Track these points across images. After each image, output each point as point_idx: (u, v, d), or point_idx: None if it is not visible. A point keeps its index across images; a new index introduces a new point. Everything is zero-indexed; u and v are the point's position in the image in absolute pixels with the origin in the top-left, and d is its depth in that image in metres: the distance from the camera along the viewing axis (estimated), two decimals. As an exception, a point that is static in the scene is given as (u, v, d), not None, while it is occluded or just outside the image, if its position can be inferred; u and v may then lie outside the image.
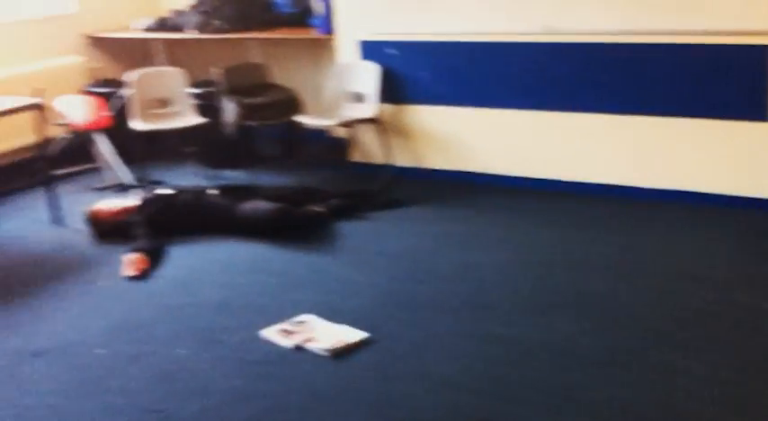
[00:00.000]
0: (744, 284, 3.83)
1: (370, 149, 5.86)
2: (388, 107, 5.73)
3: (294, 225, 4.69)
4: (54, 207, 5.12)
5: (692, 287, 3.83)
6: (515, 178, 5.44)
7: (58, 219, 5.10)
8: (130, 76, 5.84)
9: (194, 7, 6.63)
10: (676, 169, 5.01)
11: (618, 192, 5.14)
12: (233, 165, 5.91)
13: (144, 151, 5.74)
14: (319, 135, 6.14)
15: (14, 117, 5.82)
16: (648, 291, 3.83)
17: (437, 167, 5.69)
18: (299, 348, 3.38)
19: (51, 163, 5.41)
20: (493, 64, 5.41)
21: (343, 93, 5.80)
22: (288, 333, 3.49)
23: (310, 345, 3.38)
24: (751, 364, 3.16)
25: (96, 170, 5.98)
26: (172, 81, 6.00)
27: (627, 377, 3.09)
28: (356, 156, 5.89)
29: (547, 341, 3.40)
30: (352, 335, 3.45)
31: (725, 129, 4.83)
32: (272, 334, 3.50)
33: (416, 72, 5.62)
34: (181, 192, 4.97)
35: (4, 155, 6.00)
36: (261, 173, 5.84)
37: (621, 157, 5.15)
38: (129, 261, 4.28)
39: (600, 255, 4.28)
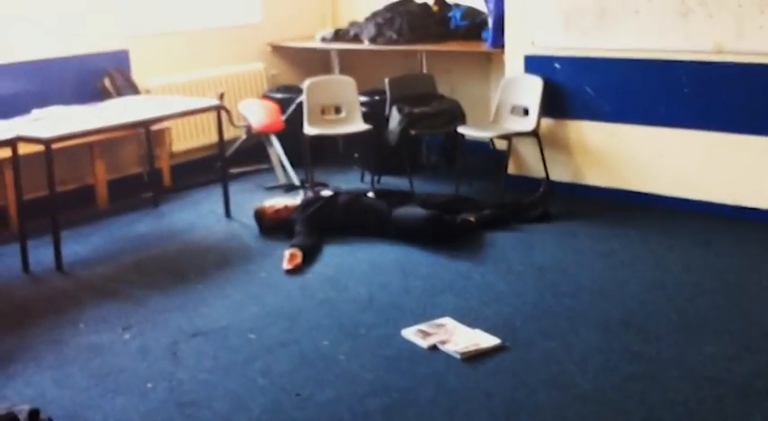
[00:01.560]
0: None
1: (529, 163, 5.88)
2: (550, 121, 5.74)
3: (445, 232, 4.80)
4: (227, 202, 5.50)
5: None
6: (674, 199, 5.30)
7: (229, 214, 5.48)
8: (306, 83, 6.17)
9: (370, 19, 6.92)
10: None
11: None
12: (395, 171, 6.10)
13: (313, 154, 6.04)
14: (480, 146, 6.23)
15: (199, 117, 6.37)
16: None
17: (594, 184, 5.64)
18: (433, 348, 3.49)
19: (229, 161, 5.82)
20: (659, 82, 5.30)
21: (506, 105, 5.87)
22: (425, 333, 3.61)
23: (445, 347, 3.48)
24: None
25: (268, 170, 6.37)
26: (343, 89, 6.27)
27: (769, 407, 2.99)
28: (514, 169, 5.93)
29: (691, 364, 3.33)
30: (485, 340, 3.52)
31: None
32: (410, 333, 3.63)
33: (580, 87, 5.60)
34: (340, 193, 5.21)
35: (189, 152, 6.51)
36: (421, 180, 6.00)
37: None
38: (288, 256, 4.55)
39: (758, 282, 4.11)
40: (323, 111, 6.25)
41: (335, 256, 4.67)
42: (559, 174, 5.74)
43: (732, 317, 3.73)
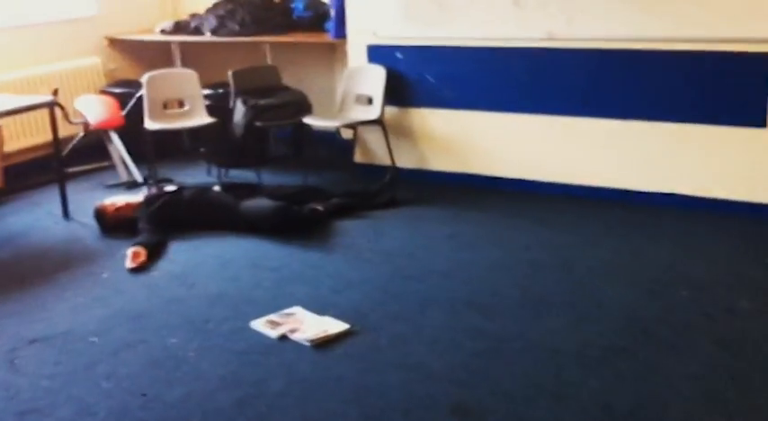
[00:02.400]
0: (743, 290, 3.86)
1: (375, 151, 5.95)
2: (394, 110, 5.83)
3: (293, 222, 4.79)
4: (65, 202, 5.27)
5: (687, 291, 3.87)
6: (516, 181, 5.51)
7: (68, 215, 5.25)
8: (145, 77, 5.99)
9: (211, 11, 6.79)
10: (678, 174, 5.04)
11: (620, 196, 5.19)
12: (242, 164, 6.03)
13: (157, 150, 5.88)
14: (326, 136, 6.26)
15: (32, 115, 6.05)
16: (643, 292, 3.88)
17: (439, 169, 5.78)
18: (283, 338, 3.49)
19: (66, 160, 5.58)
20: (498, 69, 5.48)
21: (350, 95, 5.91)
22: (275, 324, 3.59)
23: (294, 336, 3.48)
24: (737, 368, 3.20)
25: (109, 168, 6.15)
26: (185, 82, 6.13)
27: (609, 374, 3.15)
28: (361, 158, 6.00)
29: (533, 338, 3.47)
30: (334, 326, 3.54)
31: (727, 135, 4.86)
32: (259, 324, 3.60)
33: (422, 75, 5.71)
34: (184, 188, 5.10)
35: (23, 152, 6.19)
36: (269, 173, 5.97)
37: (624, 162, 5.20)
38: (132, 254, 4.41)
39: (596, 258, 4.33)
40: (165, 106, 6.09)
41: (182, 253, 4.57)
42: (405, 160, 5.85)
43: (569, 292, 3.92)
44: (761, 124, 4.74)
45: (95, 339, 3.58)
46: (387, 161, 5.82)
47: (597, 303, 3.78)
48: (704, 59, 4.83)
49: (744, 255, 4.28)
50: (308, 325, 3.57)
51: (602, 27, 5.06)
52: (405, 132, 5.86)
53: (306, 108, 6.01)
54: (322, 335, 3.46)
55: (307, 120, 5.83)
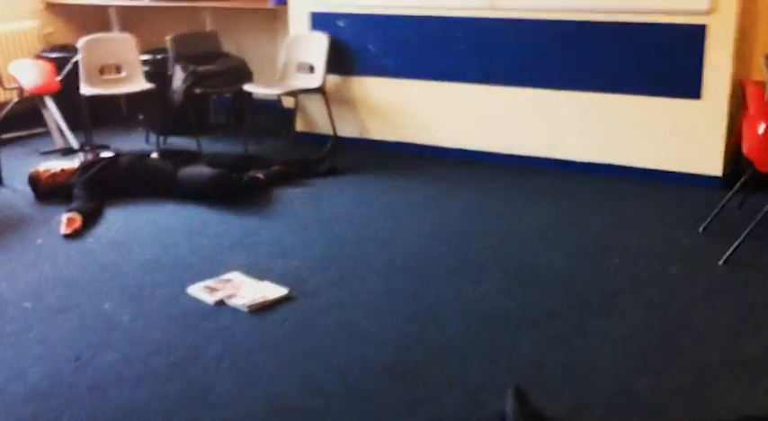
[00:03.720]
0: (672, 257, 3.95)
1: (317, 119, 5.93)
2: (336, 78, 5.80)
3: (233, 190, 4.76)
4: (-1, 169, 5.16)
5: (619, 257, 3.95)
6: (455, 150, 5.54)
7: (1, 181, 5.14)
8: (81, 41, 5.85)
9: (149, -25, 6.66)
10: (613, 144, 5.13)
11: (555, 165, 5.26)
12: (181, 132, 5.96)
13: (94, 117, 5.77)
14: (268, 104, 6.21)
15: (-37, 80, 5.89)
16: (576, 259, 3.95)
17: (380, 138, 5.78)
18: (220, 304, 3.47)
19: (0, 126, 5.45)
20: (439, 38, 5.48)
21: (292, 63, 5.87)
22: (212, 289, 3.58)
23: (231, 301, 3.47)
24: (665, 331, 3.29)
25: (44, 134, 6.02)
26: (123, 47, 6.02)
27: (542, 336, 3.21)
28: (302, 126, 5.97)
29: (469, 302, 3.51)
30: (272, 291, 3.54)
31: (662, 105, 4.95)
32: (196, 290, 3.58)
33: (364, 44, 5.69)
34: (121, 155, 5.03)
35: (-47, 117, 6.03)
36: (209, 140, 5.91)
37: (560, 132, 5.26)
38: (66, 220, 4.34)
39: (531, 225, 4.39)
40: (101, 71, 5.98)
41: (119, 219, 4.51)
42: (346, 129, 5.84)
43: (504, 258, 3.97)
44: (696, 95, 4.83)
45: (28, 304, 3.52)
46: (328, 130, 5.81)
47: (531, 269, 3.85)
48: (641, 31, 4.89)
49: (675, 223, 4.39)
50: (246, 290, 3.56)
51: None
52: (346, 101, 5.84)
53: (246, 75, 5.96)
54: (260, 300, 3.46)
55: (247, 87, 5.77)
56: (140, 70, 5.95)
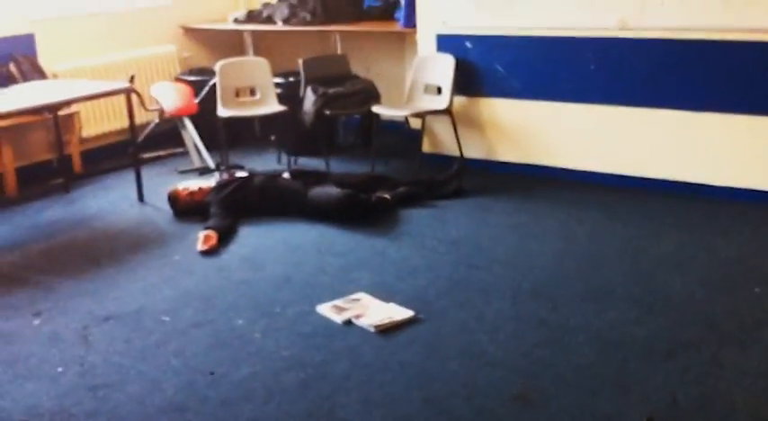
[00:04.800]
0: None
1: (443, 141, 5.96)
2: (462, 99, 5.82)
3: (360, 210, 4.83)
4: (140, 187, 5.42)
5: (757, 286, 3.78)
6: (583, 173, 5.45)
7: (143, 198, 5.41)
8: (218, 64, 6.10)
9: (283, 0, 6.87)
10: (749, 167, 4.93)
11: (688, 189, 5.09)
12: (311, 152, 6.11)
13: (229, 137, 5.99)
14: (395, 126, 6.29)
15: (110, 101, 6.24)
16: (707, 286, 3.81)
17: (506, 160, 5.75)
18: (348, 323, 3.53)
19: (141, 146, 5.74)
20: (566, 58, 5.42)
21: (419, 84, 5.93)
22: (340, 309, 3.64)
23: (359, 321, 3.52)
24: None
25: (182, 154, 6.30)
26: (257, 70, 6.23)
27: (675, 368, 3.11)
28: (429, 147, 6.01)
29: (597, 329, 3.44)
30: (399, 313, 3.58)
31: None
32: (325, 309, 3.66)
33: (491, 65, 5.69)
34: (255, 175, 5.20)
35: (100, 137, 6.39)
36: (337, 161, 6.03)
37: (693, 155, 5.10)
38: (203, 237, 4.52)
39: (663, 251, 4.27)
40: (237, 94, 6.21)
41: (251, 237, 4.67)
42: (472, 150, 5.84)
43: (634, 284, 3.87)
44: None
45: (166, 318, 3.68)
46: (454, 151, 5.82)
47: (663, 296, 3.73)
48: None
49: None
50: (373, 311, 3.61)
51: (675, 16, 4.96)
52: (472, 122, 5.85)
53: (374, 97, 6.05)
54: (387, 321, 3.50)
55: (375, 108, 5.87)
56: (273, 92, 6.15)
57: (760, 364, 3.11)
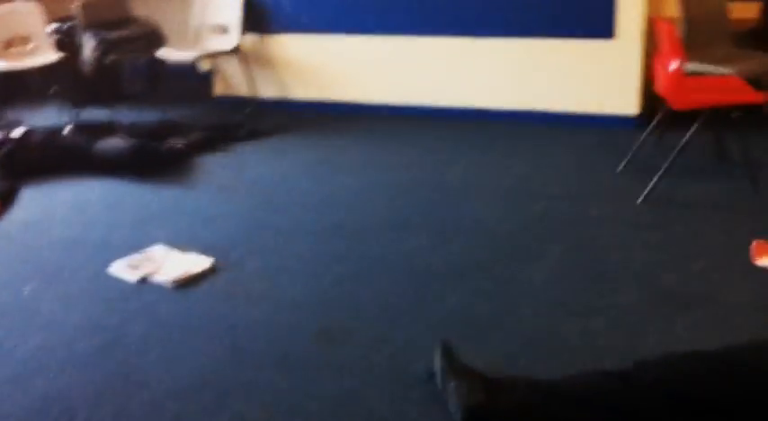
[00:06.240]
0: (593, 199, 4.01)
1: (236, 82, 5.82)
2: (253, 38, 5.69)
3: (152, 160, 4.66)
4: None
5: (542, 202, 3.99)
6: (376, 106, 5.51)
7: None
8: (-18, 14, 5.62)
9: (50, -60, 6.39)
10: (529, 90, 5.15)
11: (474, 114, 5.26)
12: (96, 102, 5.80)
13: (5, 92, 5.57)
14: (184, 70, 6.07)
15: None
16: (500, 208, 3.98)
17: (302, 98, 5.71)
18: (143, 281, 3.42)
19: None
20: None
21: (206, 25, 5.73)
22: (134, 267, 3.51)
23: (155, 278, 3.41)
24: (592, 271, 3.34)
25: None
26: (29, 17, 5.80)
27: (469, 289, 3.23)
28: (221, 90, 5.86)
29: (394, 260, 3.51)
30: (197, 263, 3.50)
31: (576, 48, 4.97)
32: (118, 269, 3.51)
33: (278, 0, 5.57)
34: (34, 132, 4.87)
35: None
36: (124, 109, 5.76)
37: (478, 81, 5.26)
38: (-20, 204, 4.21)
39: (456, 177, 4.41)
40: (10, 44, 5.76)
41: (36, 199, 4.39)
42: (267, 90, 5.75)
43: (429, 212, 3.99)
44: (609, 35, 4.86)
45: (-57, 296, 3.41)
46: (248, 92, 5.70)
47: (457, 221, 3.87)
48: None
49: (594, 165, 4.44)
50: (170, 265, 3.50)
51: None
52: (265, 61, 5.74)
53: (159, 40, 5.80)
54: (184, 274, 3.41)
55: (161, 52, 5.62)
56: (48, 41, 5.75)
57: (547, 276, 3.30)
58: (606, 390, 2.33)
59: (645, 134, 4.32)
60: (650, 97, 4.79)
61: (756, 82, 4.14)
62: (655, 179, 3.93)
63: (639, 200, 3.91)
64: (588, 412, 2.30)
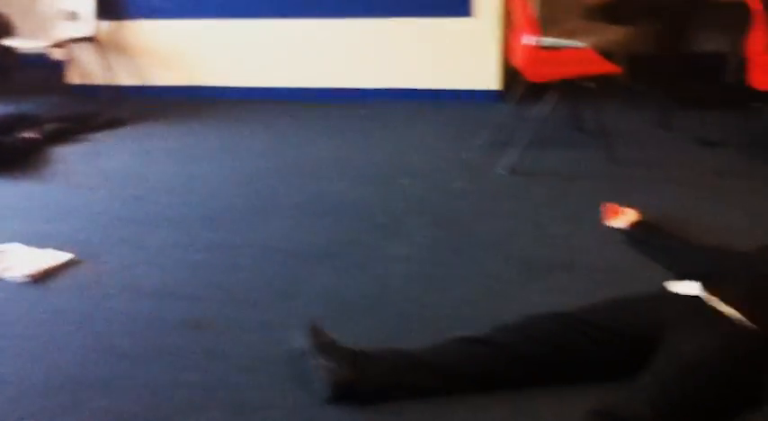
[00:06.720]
0: (455, 173, 4.07)
1: (92, 70, 5.61)
2: (109, 24, 5.49)
3: (3, 154, 4.43)
4: None
5: (405, 178, 4.03)
6: (239, 89, 5.45)
7: None
8: None
9: None
10: (390, 68, 5.19)
11: (335, 95, 5.26)
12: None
13: None
14: (36, 59, 5.81)
15: None
16: (364, 185, 4.00)
17: (162, 84, 5.57)
18: (-3, 279, 3.25)
19: None
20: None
21: (57, 11, 5.49)
22: (-16, 266, 3.33)
23: (8, 274, 3.25)
24: (453, 243, 3.39)
25: None
26: None
27: (338, 266, 3.23)
28: (75, 79, 5.64)
29: (262, 241, 3.47)
30: (54, 257, 3.35)
31: (435, 26, 5.03)
32: (-32, 269, 3.33)
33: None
34: None
35: None
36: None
37: (338, 61, 5.26)
38: None
39: (319, 157, 4.40)
40: None
41: None
42: (125, 77, 5.57)
43: (296, 193, 3.97)
44: (466, 13, 4.94)
45: None
46: (104, 80, 5.51)
47: (322, 200, 3.86)
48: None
49: (458, 139, 4.52)
50: (25, 260, 3.34)
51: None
52: (123, 48, 5.56)
53: (6, 29, 5.52)
54: (39, 269, 3.25)
55: (9, 42, 5.36)
56: None
57: (409, 250, 3.33)
58: (471, 355, 2.38)
59: (504, 108, 4.42)
60: (511, 72, 4.91)
61: (609, 54, 4.30)
62: (514, 150, 4.03)
63: (501, 171, 4.00)
64: (455, 378, 2.35)
